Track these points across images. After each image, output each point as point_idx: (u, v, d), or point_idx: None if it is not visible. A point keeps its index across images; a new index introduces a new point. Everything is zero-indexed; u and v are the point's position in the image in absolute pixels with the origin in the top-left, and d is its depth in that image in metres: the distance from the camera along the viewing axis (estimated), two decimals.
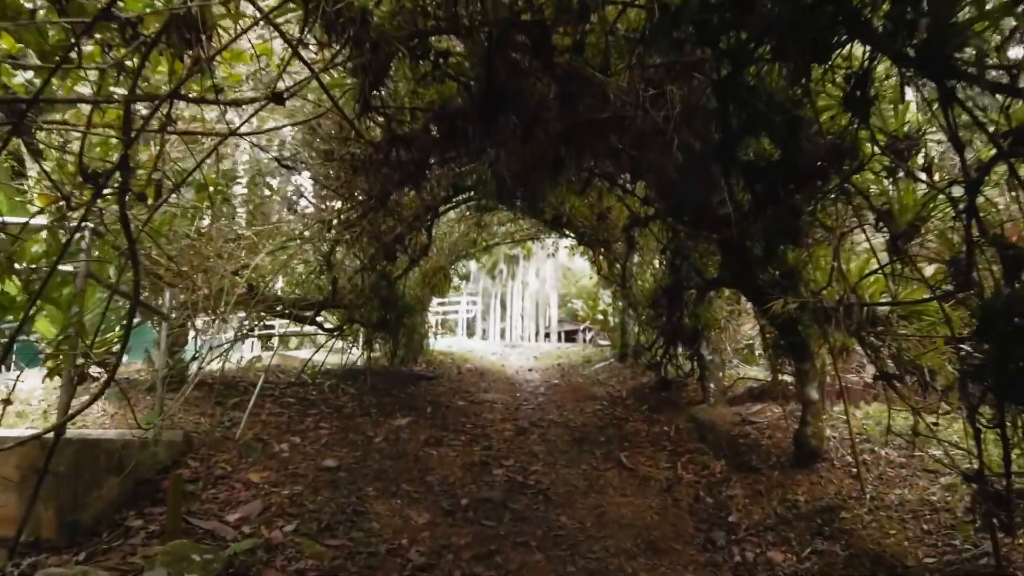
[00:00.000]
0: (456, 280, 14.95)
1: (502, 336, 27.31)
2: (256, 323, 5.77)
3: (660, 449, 5.84)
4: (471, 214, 8.89)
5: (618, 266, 8.84)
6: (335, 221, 4.15)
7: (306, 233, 4.29)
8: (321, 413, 6.15)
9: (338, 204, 4.36)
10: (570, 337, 25.63)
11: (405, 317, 8.22)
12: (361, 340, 8.33)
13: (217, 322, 4.21)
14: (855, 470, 4.08)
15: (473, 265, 26.35)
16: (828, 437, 4.56)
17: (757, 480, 4.62)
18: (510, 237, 10.42)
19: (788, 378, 5.78)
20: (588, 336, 18.45)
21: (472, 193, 7.14)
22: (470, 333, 23.31)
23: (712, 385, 6.40)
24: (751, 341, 7.42)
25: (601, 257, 9.35)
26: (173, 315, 4.75)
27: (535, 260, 27.29)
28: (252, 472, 4.27)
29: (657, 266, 7.52)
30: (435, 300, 14.25)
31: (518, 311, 28.93)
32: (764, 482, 4.54)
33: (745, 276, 4.58)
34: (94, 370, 6.60)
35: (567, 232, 8.88)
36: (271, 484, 4.16)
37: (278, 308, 5.43)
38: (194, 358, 4.65)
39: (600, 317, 14.59)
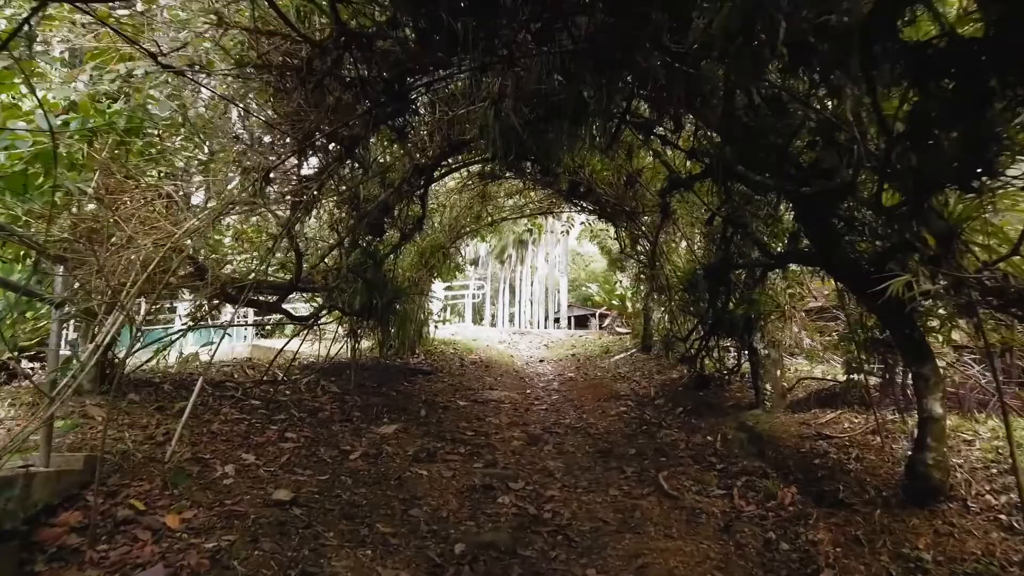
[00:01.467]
0: (462, 263, 13.74)
1: (511, 321, 26.34)
2: (206, 312, 4.63)
3: (707, 468, 4.68)
4: (473, 183, 7.70)
5: (644, 243, 7.62)
6: (274, 172, 2.96)
7: (239, 190, 3.10)
8: (290, 419, 5.03)
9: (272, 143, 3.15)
10: (580, 322, 24.54)
11: (397, 302, 7.09)
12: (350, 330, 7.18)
13: (122, 311, 3.07)
14: (1007, 518, 2.90)
15: (482, 249, 25.20)
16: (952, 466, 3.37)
17: (849, 521, 3.45)
18: (519, 211, 9.18)
19: (872, 380, 4.59)
20: (605, 323, 17.20)
21: (471, 153, 5.96)
22: (478, 319, 22.26)
23: (768, 386, 5.21)
24: (812, 333, 6.19)
25: (624, 233, 8.12)
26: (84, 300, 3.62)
27: (544, 244, 26.15)
28: (171, 512, 3.15)
29: (697, 240, 6.31)
30: (440, 284, 13.06)
31: (527, 296, 27.90)
32: (861, 524, 3.37)
33: (836, 247, 3.36)
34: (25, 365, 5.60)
35: (585, 204, 7.65)
36: (194, 531, 3.04)
37: (231, 292, 4.28)
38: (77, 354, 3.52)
39: (617, 302, 13.42)
